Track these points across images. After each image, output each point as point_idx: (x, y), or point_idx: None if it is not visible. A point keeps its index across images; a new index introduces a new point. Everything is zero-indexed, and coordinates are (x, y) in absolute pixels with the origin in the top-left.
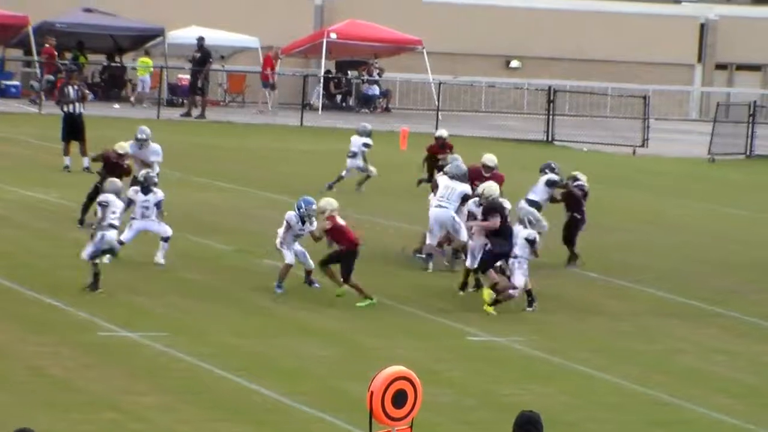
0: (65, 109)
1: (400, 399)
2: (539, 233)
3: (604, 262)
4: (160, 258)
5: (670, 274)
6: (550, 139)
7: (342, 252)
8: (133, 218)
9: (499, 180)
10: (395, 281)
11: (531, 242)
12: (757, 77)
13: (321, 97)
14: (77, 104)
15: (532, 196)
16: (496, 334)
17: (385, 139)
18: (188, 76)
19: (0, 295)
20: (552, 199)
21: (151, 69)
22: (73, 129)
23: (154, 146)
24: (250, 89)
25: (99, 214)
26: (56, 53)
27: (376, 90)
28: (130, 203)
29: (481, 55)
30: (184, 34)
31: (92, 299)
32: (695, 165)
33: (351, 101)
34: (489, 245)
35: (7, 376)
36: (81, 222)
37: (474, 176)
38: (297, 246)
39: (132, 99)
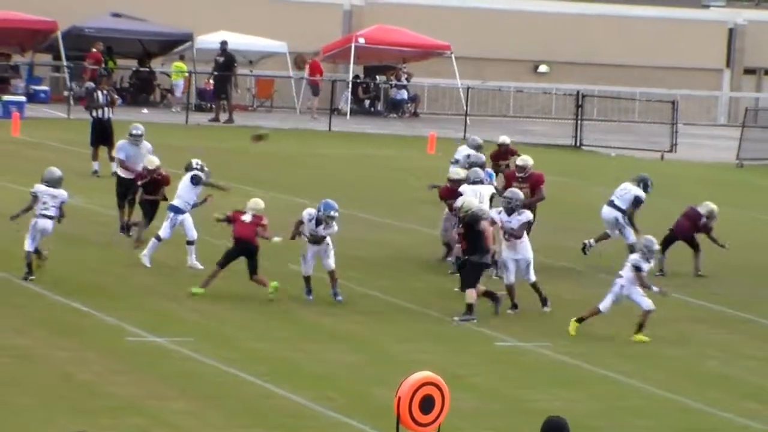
0: (94, 114)
1: (427, 404)
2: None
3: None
4: (194, 262)
5: (698, 280)
6: (578, 144)
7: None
8: (177, 210)
9: (538, 179)
10: (422, 286)
11: (636, 269)
12: None
13: (349, 102)
14: (106, 109)
15: (619, 203)
16: (524, 339)
17: (413, 144)
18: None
19: (28, 300)
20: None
21: (186, 73)
22: (102, 134)
23: (147, 145)
24: (278, 94)
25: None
26: (102, 58)
27: (404, 95)
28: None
29: (509, 60)
30: (213, 39)
31: (119, 304)
32: (723, 170)
33: (379, 106)
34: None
35: (35, 380)
36: (133, 238)
37: (510, 178)
38: (322, 246)
39: (169, 102)
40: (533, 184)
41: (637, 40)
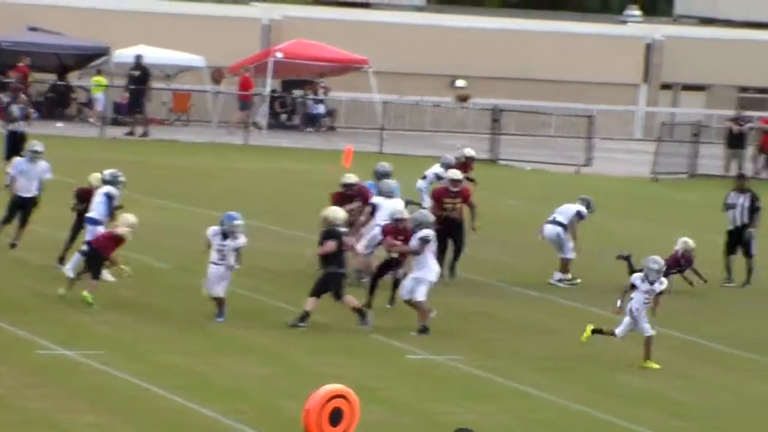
0: (9, 127)
1: (336, 417)
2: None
3: (542, 280)
4: (106, 275)
5: (610, 293)
6: (494, 158)
7: None
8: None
9: (467, 193)
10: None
11: (631, 286)
12: (702, 97)
13: (266, 116)
14: (21, 123)
15: (560, 218)
16: (436, 352)
17: (329, 157)
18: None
19: None
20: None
21: (105, 87)
22: (17, 148)
23: (44, 164)
24: (194, 108)
25: None
26: (29, 72)
27: (321, 109)
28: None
29: (427, 75)
30: (130, 53)
31: (31, 317)
32: (638, 184)
33: (296, 120)
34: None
35: None
36: (61, 260)
37: (440, 194)
38: (220, 268)
39: (86, 116)
40: (464, 197)
41: (555, 55)
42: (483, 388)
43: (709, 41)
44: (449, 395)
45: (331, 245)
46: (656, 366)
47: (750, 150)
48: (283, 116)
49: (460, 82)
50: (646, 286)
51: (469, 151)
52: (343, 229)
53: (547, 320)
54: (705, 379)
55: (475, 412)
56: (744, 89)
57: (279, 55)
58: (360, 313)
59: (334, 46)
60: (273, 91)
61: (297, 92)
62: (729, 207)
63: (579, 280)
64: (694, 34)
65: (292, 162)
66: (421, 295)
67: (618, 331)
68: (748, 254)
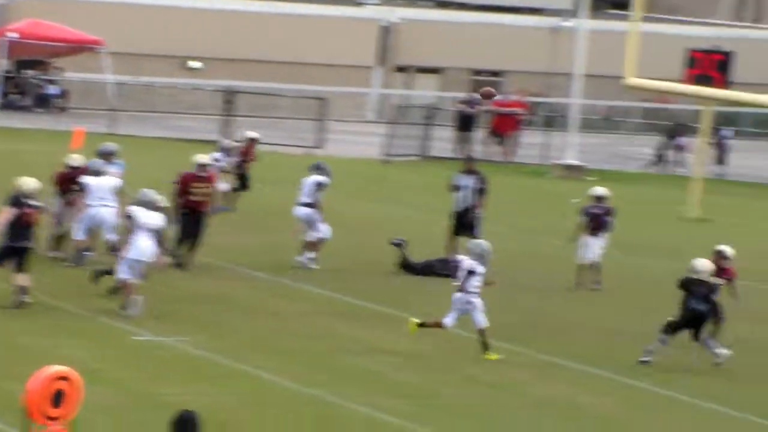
0: None
1: (58, 399)
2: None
3: (274, 263)
4: None
5: (341, 275)
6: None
7: None
8: None
9: (213, 178)
10: (58, 281)
11: (470, 273)
12: (436, 80)
13: None
14: None
15: (306, 200)
16: (162, 334)
17: (61, 138)
18: None
19: None
20: None
21: None
22: None
23: None
24: None
25: None
26: None
27: (53, 90)
28: None
29: (161, 56)
30: None
31: None
32: (371, 166)
33: (28, 101)
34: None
35: None
36: None
37: (187, 180)
38: None
39: None
40: (211, 181)
41: (288, 37)
42: (209, 370)
43: (443, 24)
44: (174, 376)
45: (6, 212)
46: (496, 356)
47: (480, 132)
48: (15, 96)
49: (194, 64)
50: (482, 269)
51: (252, 134)
52: (32, 201)
53: (276, 303)
54: (412, 355)
55: (199, 393)
56: (477, 72)
57: (13, 35)
58: (23, 291)
59: (72, 27)
60: (6, 71)
61: (29, 72)
62: (456, 188)
63: (317, 267)
64: (429, 17)
65: (23, 143)
66: (121, 272)
67: (448, 321)
68: (473, 235)
